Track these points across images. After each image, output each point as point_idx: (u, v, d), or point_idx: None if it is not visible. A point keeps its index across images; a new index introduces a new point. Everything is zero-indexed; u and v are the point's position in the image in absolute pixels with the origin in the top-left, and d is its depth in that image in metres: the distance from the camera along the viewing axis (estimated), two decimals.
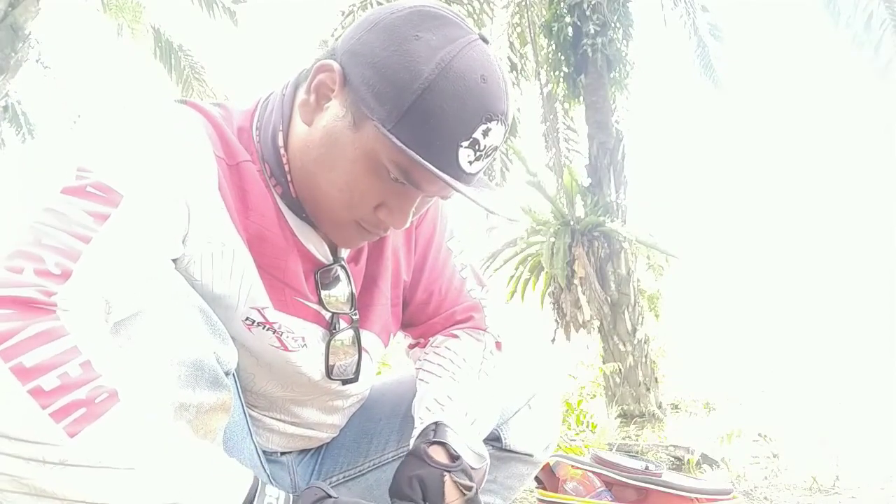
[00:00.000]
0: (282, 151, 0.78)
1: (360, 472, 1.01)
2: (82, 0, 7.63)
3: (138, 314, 0.65)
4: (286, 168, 0.78)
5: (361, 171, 0.72)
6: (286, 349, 0.84)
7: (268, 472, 0.94)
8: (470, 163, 0.70)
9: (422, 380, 0.96)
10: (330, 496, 0.64)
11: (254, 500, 0.59)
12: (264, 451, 0.95)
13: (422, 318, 1.01)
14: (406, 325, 1.02)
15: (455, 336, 1.00)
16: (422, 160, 0.67)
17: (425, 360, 0.99)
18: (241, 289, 0.78)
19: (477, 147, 0.70)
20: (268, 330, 0.81)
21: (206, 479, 0.56)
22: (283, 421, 0.94)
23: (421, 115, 0.67)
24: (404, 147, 0.67)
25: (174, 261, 0.73)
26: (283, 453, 0.99)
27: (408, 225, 0.78)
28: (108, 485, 0.51)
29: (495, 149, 0.73)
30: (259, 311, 0.80)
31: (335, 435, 1.04)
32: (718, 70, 7.52)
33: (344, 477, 1.01)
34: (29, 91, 8.58)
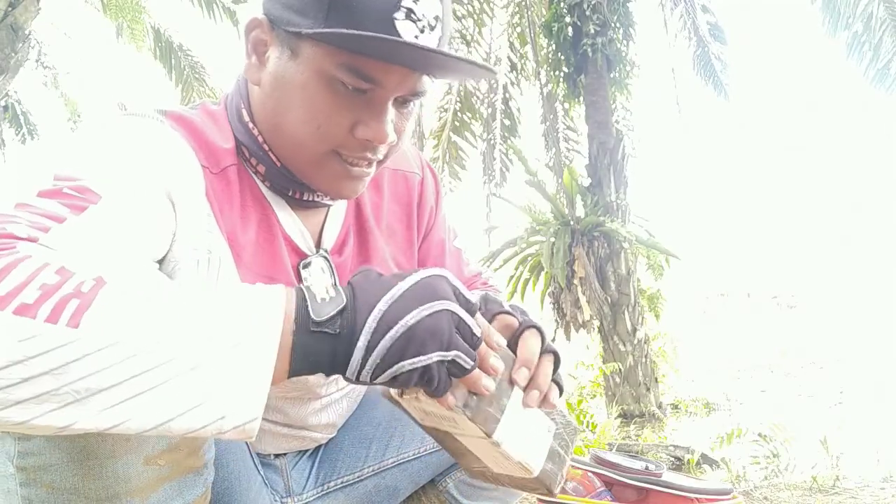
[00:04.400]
0: (250, 125, 0.78)
1: (358, 477, 0.99)
2: (82, 0, 7.64)
3: None
4: (259, 140, 0.78)
5: (317, 93, 0.71)
6: None
7: (262, 473, 0.94)
8: (416, 36, 0.68)
9: None
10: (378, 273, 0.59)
11: (304, 300, 0.55)
12: (258, 454, 0.95)
13: None
14: None
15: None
16: (365, 42, 0.65)
17: None
18: None
19: (413, 16, 0.68)
20: None
21: (232, 309, 0.52)
22: (275, 422, 0.93)
23: (342, 4, 0.66)
24: (343, 32, 0.65)
25: (160, 263, 0.72)
26: (276, 456, 0.98)
27: (392, 138, 0.75)
28: (140, 355, 0.48)
29: (437, 18, 0.70)
30: None
31: (332, 435, 1.02)
32: (718, 70, 7.52)
33: (342, 482, 0.99)
34: (29, 91, 8.59)
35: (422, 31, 0.69)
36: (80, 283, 0.50)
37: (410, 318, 0.54)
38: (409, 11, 0.67)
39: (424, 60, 0.70)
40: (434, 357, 0.55)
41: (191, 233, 0.73)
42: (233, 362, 0.50)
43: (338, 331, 0.54)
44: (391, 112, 0.74)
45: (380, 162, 0.79)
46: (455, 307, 0.57)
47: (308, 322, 0.54)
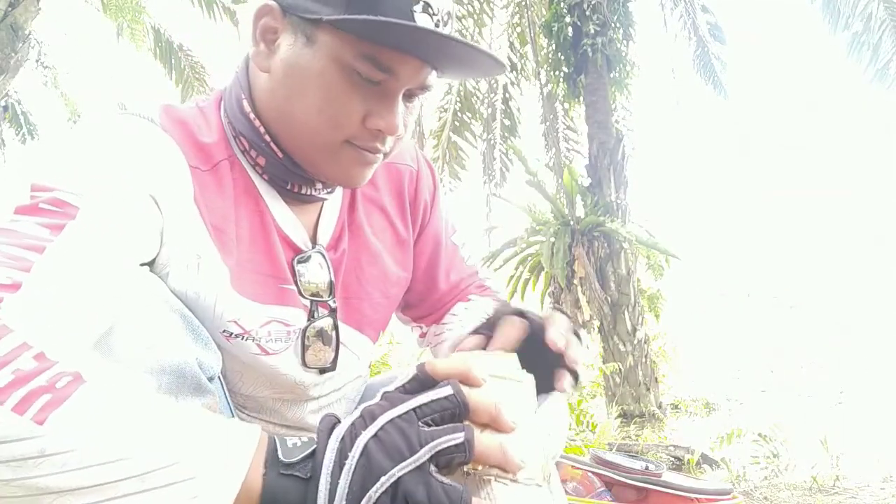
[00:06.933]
0: (251, 116, 0.78)
1: None
2: (82, 0, 7.64)
3: (114, 324, 0.63)
4: (261, 131, 0.78)
5: (333, 81, 0.71)
6: (267, 353, 0.83)
7: None
8: (435, 27, 0.69)
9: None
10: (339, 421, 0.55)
11: (276, 449, 0.52)
12: None
13: (433, 302, 1.01)
14: (410, 308, 1.03)
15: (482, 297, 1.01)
16: (391, 29, 0.66)
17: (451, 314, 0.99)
18: (218, 303, 0.77)
19: (430, 10, 0.69)
20: (247, 339, 0.80)
21: (204, 436, 0.51)
22: (273, 423, 0.93)
23: None
24: (369, 19, 0.65)
25: (151, 266, 0.71)
26: None
27: (400, 131, 0.75)
28: (98, 464, 0.47)
29: (448, 14, 0.71)
30: (235, 322, 0.79)
31: None
32: (718, 69, 7.52)
33: None
34: (29, 91, 8.59)
35: (436, 25, 0.69)
36: (55, 377, 0.49)
37: (357, 451, 0.50)
38: (426, 5, 0.68)
39: (443, 50, 0.70)
40: (397, 472, 0.49)
41: (179, 236, 0.72)
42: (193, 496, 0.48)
43: (308, 475, 0.50)
44: (401, 104, 0.74)
45: (385, 154, 0.79)
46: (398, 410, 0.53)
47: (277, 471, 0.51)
